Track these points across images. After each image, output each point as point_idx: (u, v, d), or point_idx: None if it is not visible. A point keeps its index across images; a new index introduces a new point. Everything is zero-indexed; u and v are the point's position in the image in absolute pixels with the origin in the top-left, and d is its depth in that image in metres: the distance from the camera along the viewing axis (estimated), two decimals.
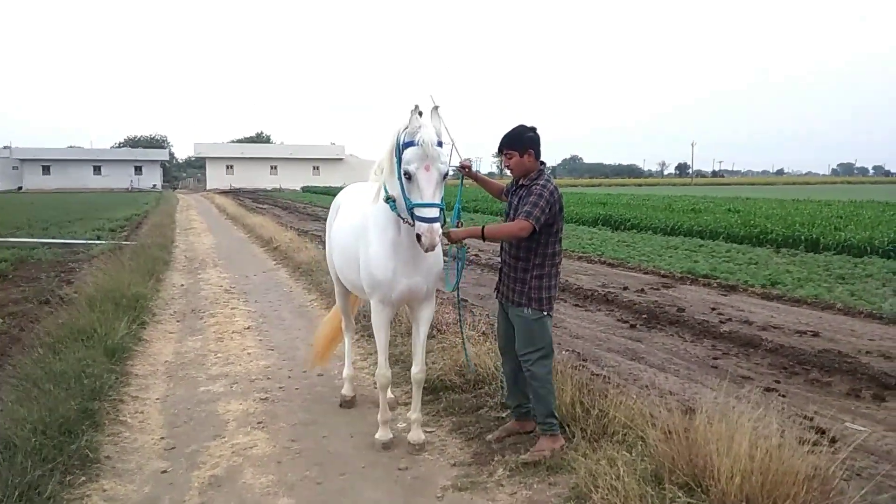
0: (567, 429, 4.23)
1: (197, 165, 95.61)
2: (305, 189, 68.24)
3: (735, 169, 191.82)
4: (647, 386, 5.17)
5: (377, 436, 4.48)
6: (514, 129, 4.18)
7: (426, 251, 3.78)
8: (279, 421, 4.99)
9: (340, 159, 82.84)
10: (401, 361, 6.02)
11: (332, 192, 51.06)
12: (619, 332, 7.56)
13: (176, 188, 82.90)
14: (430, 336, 5.91)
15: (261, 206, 36.82)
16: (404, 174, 3.74)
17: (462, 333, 5.13)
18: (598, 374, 5.50)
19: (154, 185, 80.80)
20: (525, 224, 3.92)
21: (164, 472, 4.15)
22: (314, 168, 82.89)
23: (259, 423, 4.95)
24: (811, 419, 4.71)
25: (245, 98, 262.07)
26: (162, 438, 4.66)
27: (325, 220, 5.80)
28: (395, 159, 3.92)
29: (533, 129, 4.17)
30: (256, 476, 4.08)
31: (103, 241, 16.52)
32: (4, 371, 5.60)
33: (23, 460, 3.74)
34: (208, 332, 7.74)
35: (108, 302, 7.66)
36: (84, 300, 7.81)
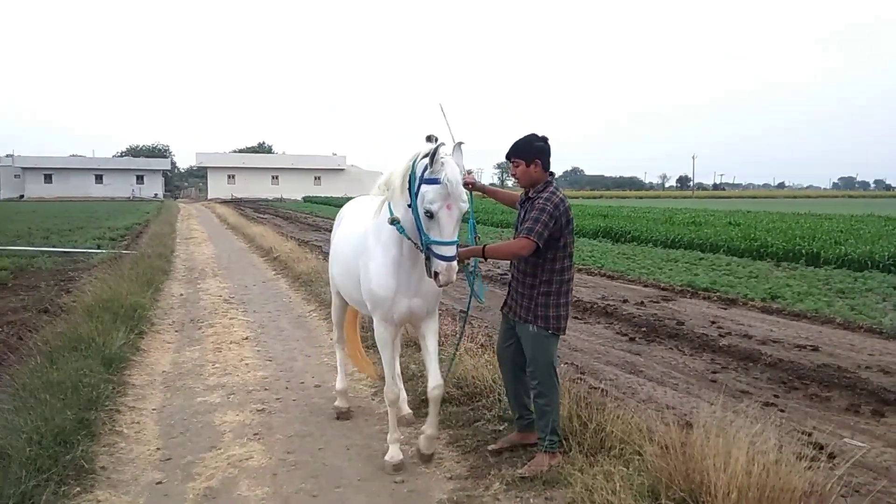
0: (564, 443, 4.21)
1: (198, 175, 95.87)
2: (307, 199, 68.38)
3: (736, 182, 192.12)
4: (645, 400, 5.16)
5: (387, 457, 4.28)
6: (523, 138, 4.07)
7: (440, 286, 3.79)
8: (275, 433, 4.97)
9: (342, 170, 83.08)
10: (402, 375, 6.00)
11: (333, 203, 51.20)
12: (619, 345, 7.54)
13: (177, 197, 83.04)
14: None
15: (262, 215, 36.87)
16: (426, 213, 3.64)
17: (458, 339, 5.13)
18: (596, 388, 5.47)
19: (155, 195, 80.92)
20: (525, 242, 3.82)
21: (160, 483, 4.13)
22: (315, 178, 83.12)
23: (255, 434, 4.93)
24: (810, 434, 4.68)
25: (247, 108, 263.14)
26: (158, 449, 4.64)
27: (326, 230, 5.80)
28: (407, 185, 3.85)
29: (543, 139, 4.06)
30: (252, 488, 4.06)
31: (103, 250, 16.52)
32: (1, 381, 5.59)
33: (17, 470, 3.73)
34: (206, 342, 7.73)
35: (106, 311, 7.66)
36: (82, 309, 7.81)
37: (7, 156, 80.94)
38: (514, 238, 4.02)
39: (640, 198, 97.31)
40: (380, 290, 4.07)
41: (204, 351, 7.32)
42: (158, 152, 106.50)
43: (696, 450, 3.44)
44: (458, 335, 5.49)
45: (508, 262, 4.44)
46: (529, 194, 4.11)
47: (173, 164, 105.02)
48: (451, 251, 3.63)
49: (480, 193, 4.56)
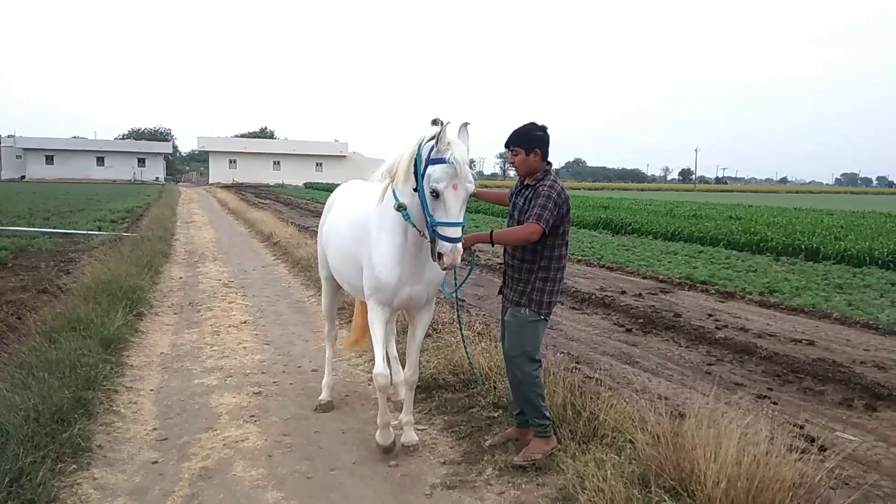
0: (557, 430, 4.24)
1: (200, 159, 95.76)
2: (308, 185, 68.26)
3: (738, 176, 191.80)
4: (639, 390, 5.18)
5: (378, 440, 4.29)
6: (523, 126, 4.07)
7: (444, 269, 3.71)
8: (271, 415, 5.00)
9: (343, 156, 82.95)
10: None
11: (334, 189, 50.89)
12: (615, 335, 7.57)
13: (179, 181, 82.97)
14: (426, 335, 5.91)
15: (263, 201, 36.84)
16: (431, 192, 3.61)
17: (461, 334, 5.14)
18: (590, 377, 5.50)
19: (157, 178, 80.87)
20: (535, 227, 3.82)
21: (155, 462, 4.17)
22: (317, 164, 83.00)
23: (252, 416, 4.96)
24: (802, 427, 4.71)
25: (249, 93, 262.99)
26: (154, 429, 4.68)
27: None
28: (412, 169, 3.83)
29: (543, 129, 4.06)
30: (247, 469, 4.10)
31: (104, 232, 16.54)
32: (0, 359, 5.62)
33: (15, 447, 3.76)
34: (205, 325, 7.76)
35: (105, 293, 7.70)
36: (82, 290, 7.83)
37: (8, 136, 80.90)
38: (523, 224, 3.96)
39: (642, 190, 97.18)
40: (384, 278, 4.03)
41: (202, 334, 7.35)
42: (160, 136, 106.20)
43: (687, 439, 3.47)
44: (456, 319, 5.50)
45: (502, 249, 4.43)
46: (526, 182, 4.11)
47: (175, 147, 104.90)
48: (456, 232, 3.60)
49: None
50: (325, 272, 5.28)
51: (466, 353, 5.16)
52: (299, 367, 6.22)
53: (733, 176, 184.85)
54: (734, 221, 22.08)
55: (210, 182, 74.84)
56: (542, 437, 4.08)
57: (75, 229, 17.31)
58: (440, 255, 3.62)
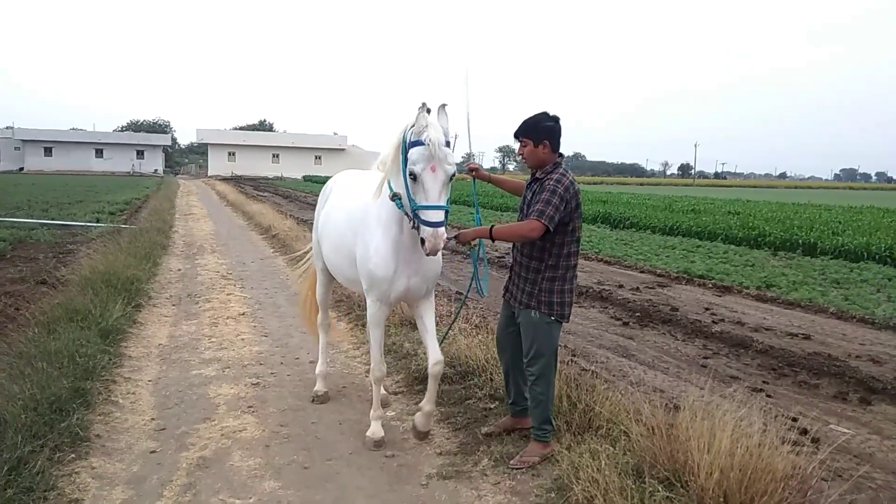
0: (553, 420, 4.26)
1: (199, 152, 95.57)
2: (307, 178, 68.20)
3: (738, 171, 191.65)
4: (635, 383, 5.20)
5: (368, 433, 4.33)
6: (533, 116, 3.92)
7: (428, 255, 3.64)
8: (269, 406, 5.03)
9: (342, 149, 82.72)
10: (392, 352, 6.06)
11: None
12: (612, 329, 7.60)
13: (177, 174, 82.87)
14: None
15: (261, 193, 36.80)
16: (409, 175, 3.58)
17: (454, 318, 5.15)
18: (587, 370, 5.53)
19: (156, 170, 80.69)
20: (536, 224, 3.68)
21: (153, 452, 4.19)
22: (316, 157, 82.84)
23: (249, 407, 4.99)
24: (795, 420, 4.74)
25: (248, 86, 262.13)
26: (152, 419, 4.71)
27: None
28: (400, 157, 3.77)
29: (554, 119, 3.91)
30: (244, 459, 4.12)
31: (102, 224, 16.54)
32: None
33: (13, 436, 3.79)
34: (203, 316, 7.78)
35: (103, 284, 7.70)
36: (80, 282, 7.84)
37: (7, 128, 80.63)
38: (524, 220, 3.88)
39: (641, 184, 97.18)
40: (379, 270, 4.01)
41: (200, 325, 7.37)
42: (159, 128, 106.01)
43: (681, 431, 3.49)
44: (454, 314, 5.51)
45: (510, 245, 4.30)
46: (536, 175, 3.97)
47: (174, 140, 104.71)
48: (437, 216, 3.52)
49: (486, 181, 4.43)
50: (319, 263, 5.25)
51: (445, 335, 5.03)
52: (297, 358, 6.25)
53: (732, 171, 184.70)
54: (732, 216, 22.08)
55: (209, 175, 74.68)
56: (541, 442, 4.01)
57: (74, 221, 17.29)
58: (422, 241, 3.56)
